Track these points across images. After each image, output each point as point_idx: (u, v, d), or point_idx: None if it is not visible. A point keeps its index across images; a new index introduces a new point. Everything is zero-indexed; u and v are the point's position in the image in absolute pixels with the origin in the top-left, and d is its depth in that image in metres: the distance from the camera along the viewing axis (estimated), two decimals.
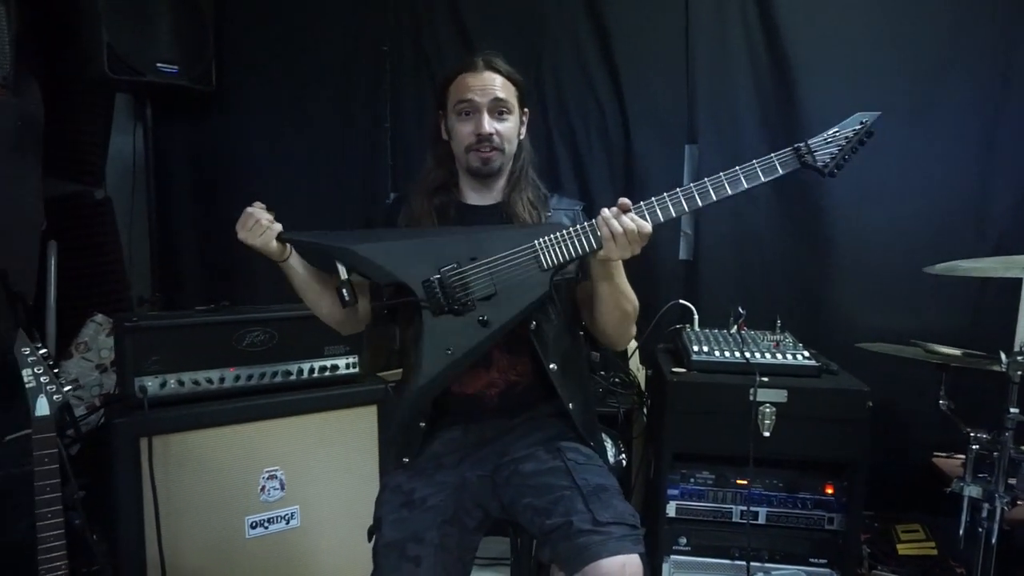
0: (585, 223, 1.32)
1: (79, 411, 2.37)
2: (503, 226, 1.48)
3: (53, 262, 2.70)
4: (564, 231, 1.33)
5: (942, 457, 2.27)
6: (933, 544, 2.14)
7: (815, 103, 2.39)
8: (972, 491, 1.76)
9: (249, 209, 1.41)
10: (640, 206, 1.29)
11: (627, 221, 1.26)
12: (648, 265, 2.61)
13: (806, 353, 2.01)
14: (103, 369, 2.57)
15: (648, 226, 1.28)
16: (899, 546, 2.16)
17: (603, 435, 1.84)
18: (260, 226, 1.39)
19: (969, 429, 1.78)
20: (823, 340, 2.34)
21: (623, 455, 2.12)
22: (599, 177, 2.66)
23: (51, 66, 2.68)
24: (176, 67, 2.49)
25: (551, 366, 1.44)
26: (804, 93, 2.40)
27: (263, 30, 2.78)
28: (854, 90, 2.37)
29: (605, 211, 1.29)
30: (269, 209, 1.43)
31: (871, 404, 1.88)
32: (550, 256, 1.32)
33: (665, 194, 1.29)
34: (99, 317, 2.63)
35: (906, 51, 2.35)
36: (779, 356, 1.99)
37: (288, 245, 1.44)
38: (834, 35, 2.39)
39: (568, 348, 1.50)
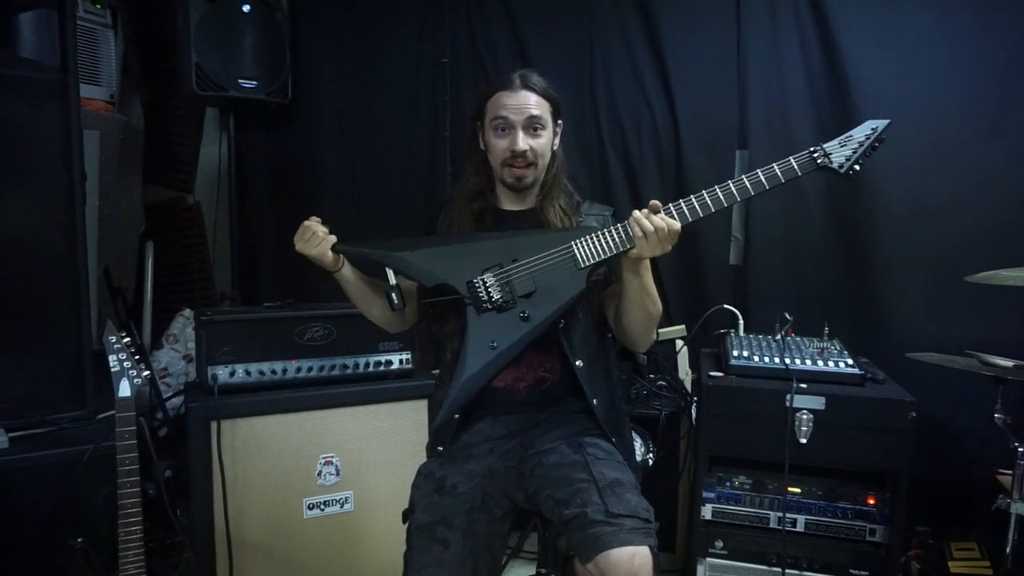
0: (618, 224, 1.39)
1: (166, 396, 2.61)
2: (540, 230, 1.56)
3: (150, 261, 2.99)
4: (599, 232, 1.40)
5: (1007, 474, 2.17)
6: (988, 564, 2.04)
7: (871, 107, 2.32)
8: (1020, 509, 1.70)
9: (306, 223, 1.53)
10: (669, 207, 1.37)
11: (657, 220, 1.33)
12: (698, 270, 2.62)
13: (849, 361, 1.97)
14: (189, 359, 2.81)
15: (677, 224, 1.34)
16: (951, 563, 2.08)
17: (633, 434, 1.89)
18: (316, 237, 1.51)
19: (1017, 443, 1.72)
20: (876, 349, 2.29)
21: (651, 454, 2.15)
22: (650, 183, 2.67)
23: (150, 83, 2.97)
24: (256, 82, 2.69)
25: (577, 363, 1.51)
26: (860, 97, 2.34)
27: (334, 47, 2.95)
28: (911, 94, 2.31)
29: (636, 212, 1.35)
30: (328, 221, 1.55)
31: (914, 415, 1.83)
32: (586, 255, 1.41)
33: (692, 196, 1.37)
34: (187, 312, 2.85)
35: (964, 55, 2.26)
36: (820, 363, 1.97)
37: (341, 256, 1.55)
38: (891, 38, 2.32)
39: (595, 348, 1.56)
